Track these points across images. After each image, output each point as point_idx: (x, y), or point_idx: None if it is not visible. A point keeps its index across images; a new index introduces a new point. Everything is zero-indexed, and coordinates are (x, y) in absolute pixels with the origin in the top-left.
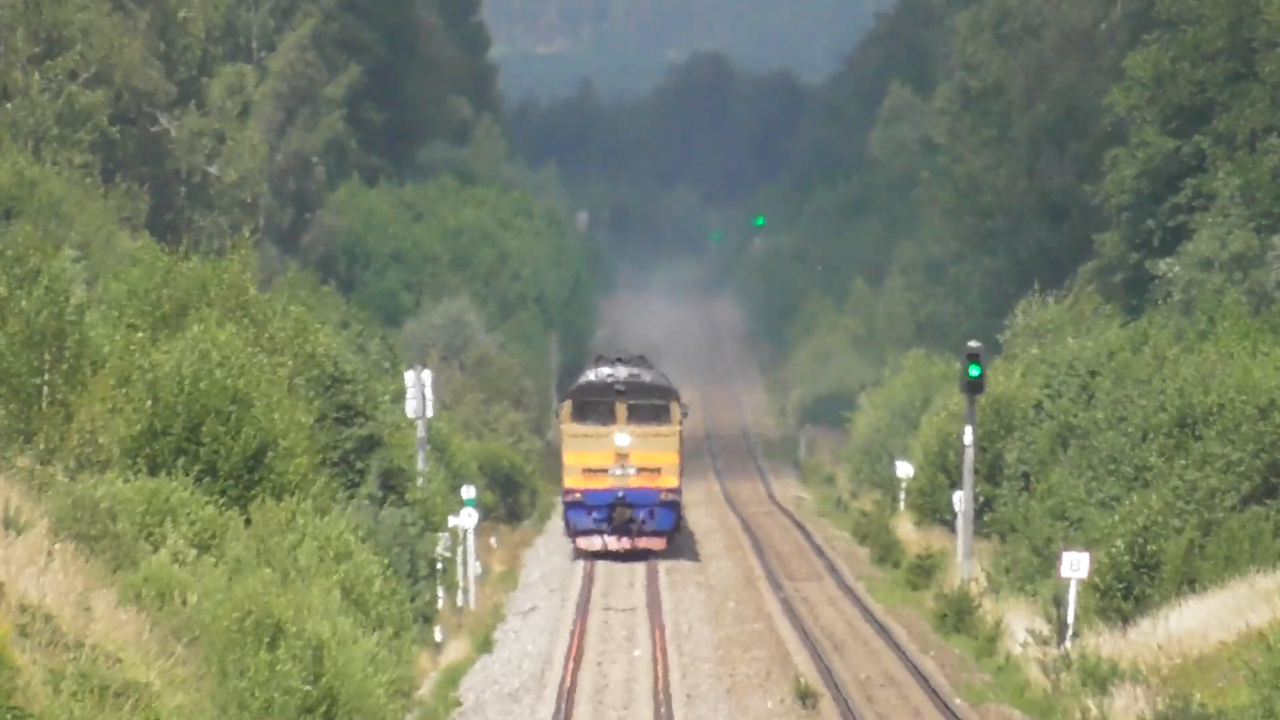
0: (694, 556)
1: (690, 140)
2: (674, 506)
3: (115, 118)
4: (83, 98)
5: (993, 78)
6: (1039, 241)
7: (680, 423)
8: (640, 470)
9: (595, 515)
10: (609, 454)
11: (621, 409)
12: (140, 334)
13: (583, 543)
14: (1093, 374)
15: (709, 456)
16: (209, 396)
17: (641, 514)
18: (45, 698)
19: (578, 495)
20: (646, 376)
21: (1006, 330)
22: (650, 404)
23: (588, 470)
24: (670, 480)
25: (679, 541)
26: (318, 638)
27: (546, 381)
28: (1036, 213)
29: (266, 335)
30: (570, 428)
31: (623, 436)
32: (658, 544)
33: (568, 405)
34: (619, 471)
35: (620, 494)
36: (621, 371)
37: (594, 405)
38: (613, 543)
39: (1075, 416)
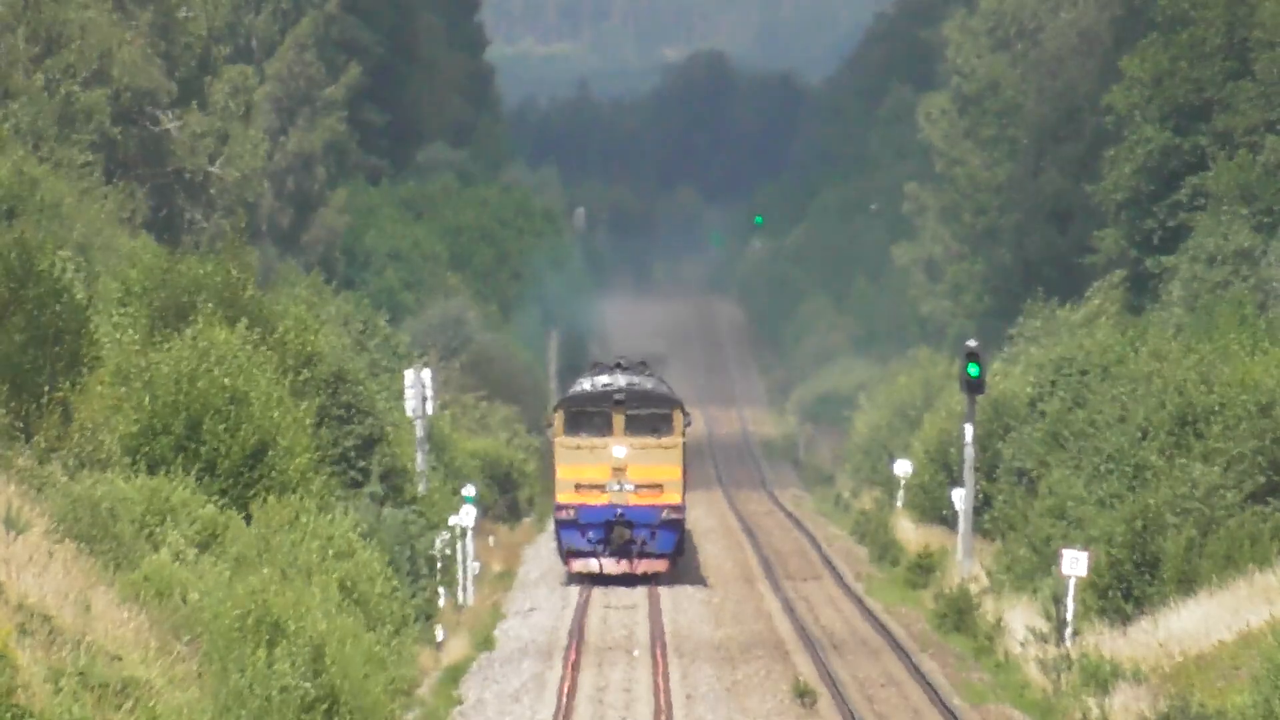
0: (693, 556)
1: (689, 140)
2: (677, 526)
3: (116, 117)
4: (83, 97)
5: (987, 79)
6: (1043, 241)
7: (684, 434)
8: (640, 486)
9: (590, 535)
10: (605, 468)
11: (619, 419)
12: (135, 334)
13: (577, 565)
14: (1083, 373)
15: (709, 456)
16: (208, 395)
17: (641, 534)
18: (45, 696)
19: (571, 513)
20: (647, 384)
21: (1015, 331)
22: (650, 414)
23: (582, 486)
24: (673, 497)
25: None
26: (318, 636)
27: (545, 381)
28: (1039, 212)
29: (274, 335)
30: (563, 440)
31: (620, 449)
32: (659, 567)
33: (560, 415)
34: (616, 487)
35: (618, 512)
36: (620, 379)
37: (589, 415)
38: (609, 565)
39: (1071, 412)
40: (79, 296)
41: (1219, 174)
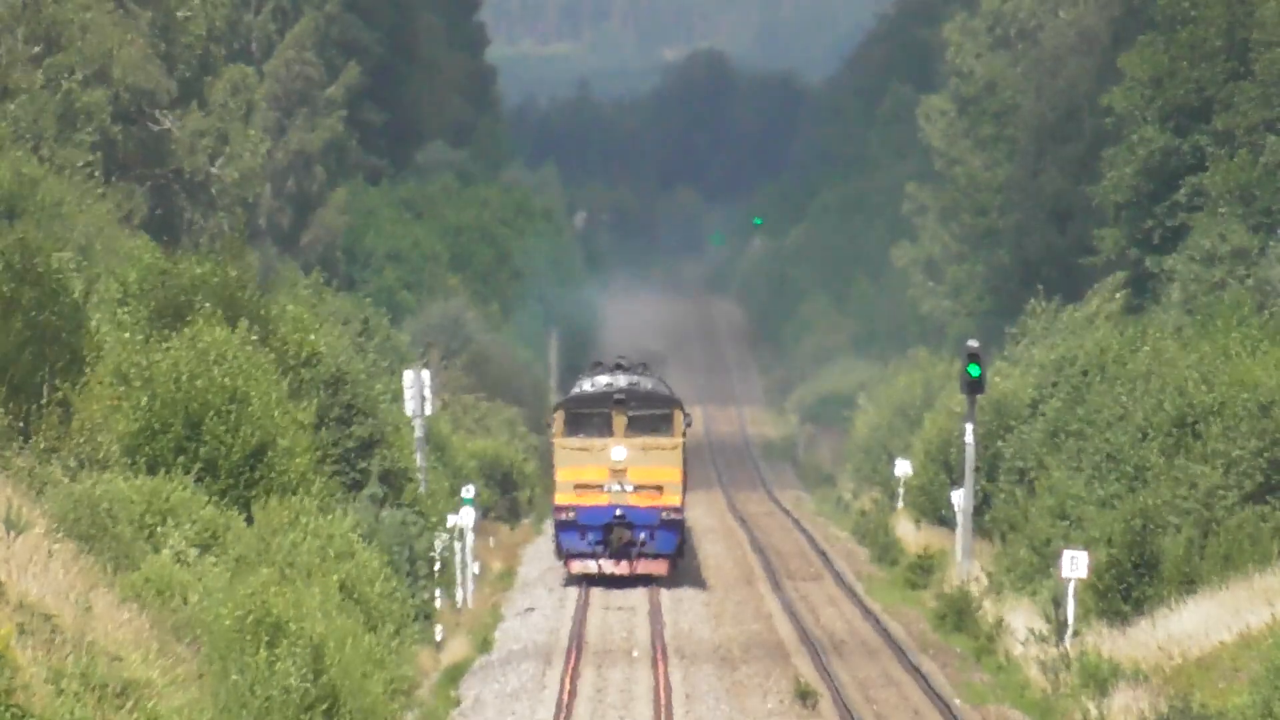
0: (693, 556)
1: (689, 140)
2: (677, 527)
3: (116, 117)
4: (83, 97)
5: (986, 80)
6: (1042, 241)
7: (684, 435)
8: (639, 487)
9: (590, 536)
10: (604, 469)
11: (619, 420)
12: (129, 334)
13: (576, 566)
14: (1083, 373)
15: (708, 456)
16: (207, 394)
17: (641, 535)
18: (46, 697)
19: (570, 514)
20: (647, 385)
21: (1016, 330)
22: (650, 414)
23: (581, 487)
24: (673, 498)
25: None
26: (318, 636)
27: (546, 380)
28: (1039, 212)
29: (276, 337)
30: (563, 441)
31: (620, 450)
32: (659, 569)
33: (560, 416)
34: (616, 488)
35: (617, 513)
36: (620, 380)
37: (588, 416)
38: (609, 567)
39: (1070, 412)
40: (75, 295)
41: (1215, 174)
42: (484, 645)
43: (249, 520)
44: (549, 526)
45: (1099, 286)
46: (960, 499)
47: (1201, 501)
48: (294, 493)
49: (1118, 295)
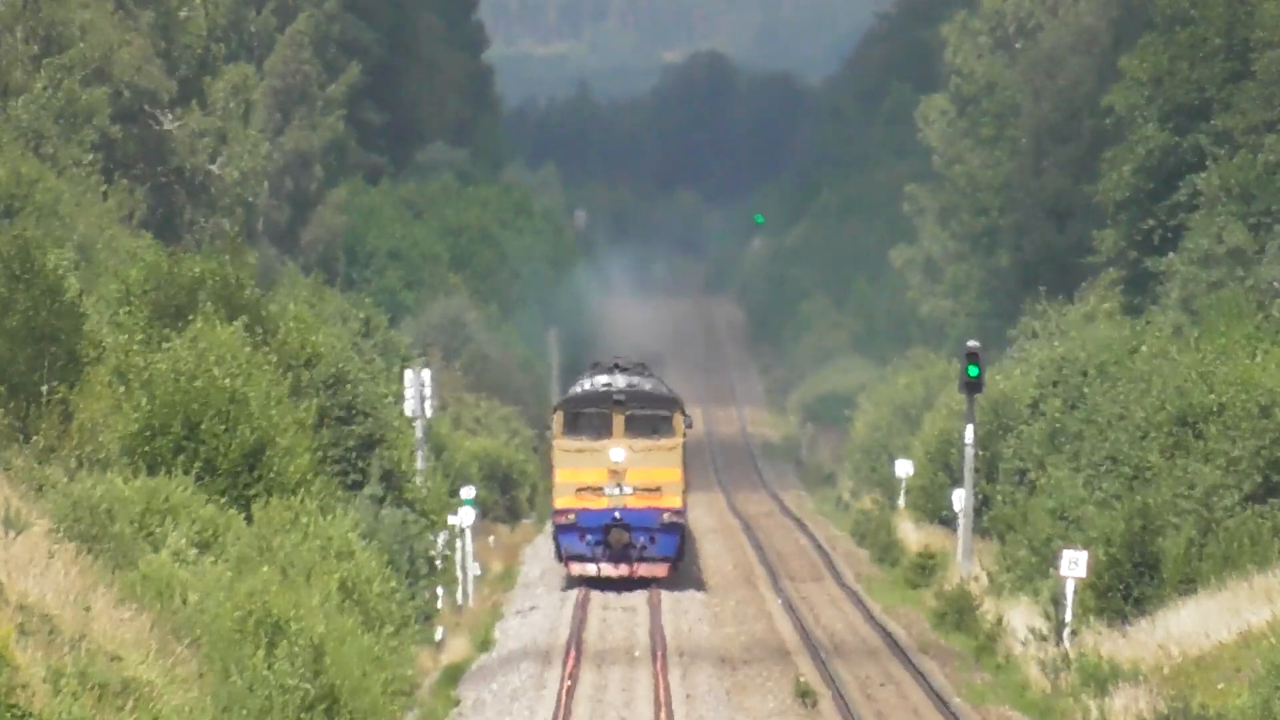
0: (694, 557)
1: (689, 141)
2: (677, 529)
3: (116, 116)
4: (84, 96)
5: (986, 80)
6: (1042, 241)
7: (684, 435)
8: (639, 489)
9: (589, 539)
10: (604, 470)
11: (619, 421)
12: (129, 334)
13: (576, 569)
14: (1083, 374)
15: (709, 456)
16: (206, 395)
17: (641, 538)
18: (45, 697)
19: (570, 516)
20: (646, 385)
21: (1017, 331)
22: (650, 415)
23: (581, 489)
24: (673, 500)
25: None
26: (318, 636)
27: (547, 380)
28: (1039, 212)
29: (276, 338)
30: (562, 442)
31: (619, 451)
32: (659, 571)
33: (559, 417)
34: (615, 490)
35: (616, 515)
36: (620, 380)
37: (588, 417)
38: (609, 569)
39: (1069, 413)
40: (71, 295)
41: (1211, 174)
42: (484, 645)
43: (249, 520)
44: (549, 527)
45: (1094, 282)
46: (960, 499)
47: (1201, 501)
48: (294, 493)
49: (1110, 292)
